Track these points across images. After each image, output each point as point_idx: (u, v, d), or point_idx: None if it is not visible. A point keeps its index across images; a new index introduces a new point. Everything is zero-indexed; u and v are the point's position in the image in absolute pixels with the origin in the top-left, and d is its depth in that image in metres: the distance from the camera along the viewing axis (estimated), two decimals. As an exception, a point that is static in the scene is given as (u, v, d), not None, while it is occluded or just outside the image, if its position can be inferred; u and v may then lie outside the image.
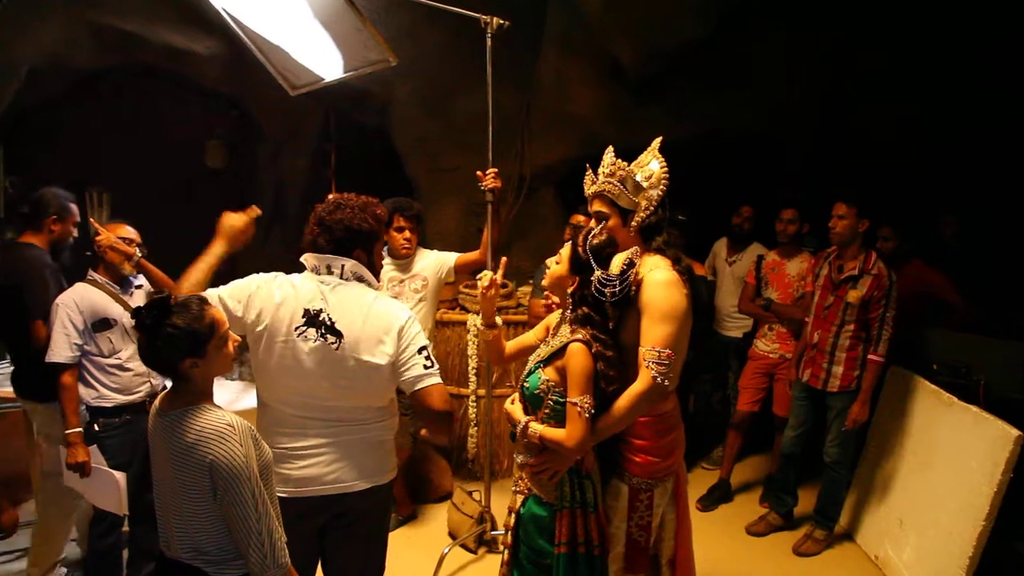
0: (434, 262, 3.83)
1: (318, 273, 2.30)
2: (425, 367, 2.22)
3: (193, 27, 5.42)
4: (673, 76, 4.98)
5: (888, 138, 5.20)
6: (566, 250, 2.37)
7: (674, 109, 5.15)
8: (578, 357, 2.21)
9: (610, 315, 2.31)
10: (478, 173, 3.42)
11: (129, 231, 3.27)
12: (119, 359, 3.19)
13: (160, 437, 1.90)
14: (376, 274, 2.40)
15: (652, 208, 2.39)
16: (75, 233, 3.52)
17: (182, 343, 1.83)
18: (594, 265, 2.25)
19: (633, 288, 2.29)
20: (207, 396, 1.95)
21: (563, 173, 5.68)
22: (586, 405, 2.19)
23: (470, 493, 3.99)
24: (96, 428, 3.16)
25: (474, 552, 3.85)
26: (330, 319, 2.21)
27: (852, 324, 3.69)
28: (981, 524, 3.12)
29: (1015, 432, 3.09)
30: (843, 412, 3.75)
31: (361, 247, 2.32)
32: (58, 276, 3.32)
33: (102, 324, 3.14)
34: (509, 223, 5.38)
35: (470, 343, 4.59)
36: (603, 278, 2.22)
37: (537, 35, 5.26)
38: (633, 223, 2.40)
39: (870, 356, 3.67)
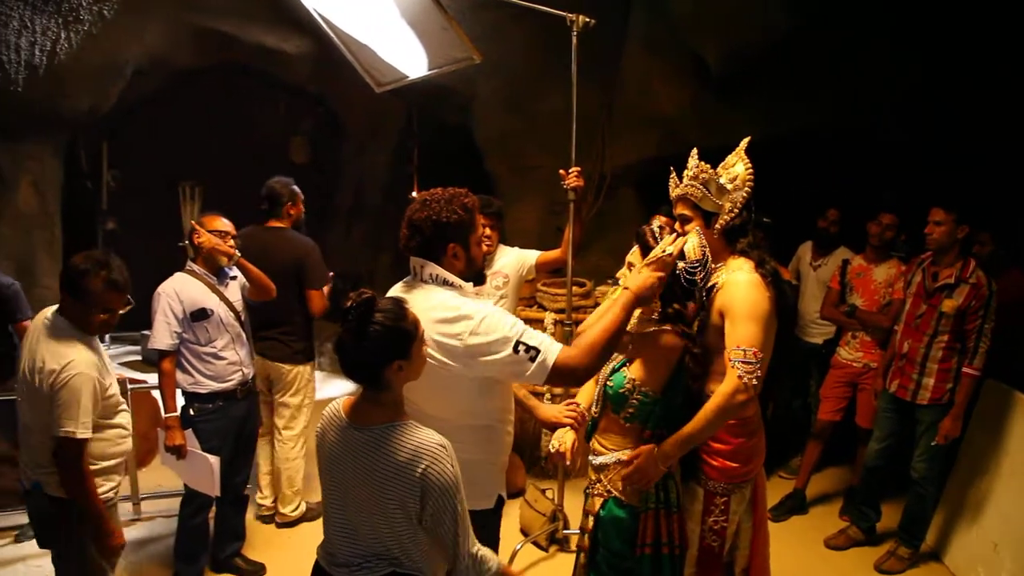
0: (515, 259, 3.86)
1: (416, 275, 2.23)
2: (531, 358, 2.02)
3: (285, 27, 5.62)
4: (757, 75, 4.88)
5: (982, 138, 4.95)
6: (635, 256, 2.38)
7: (758, 109, 5.05)
8: (669, 337, 2.25)
9: (703, 301, 2.32)
10: (561, 172, 3.42)
11: (225, 223, 3.39)
12: (214, 348, 3.32)
13: (357, 451, 1.82)
14: (476, 267, 2.28)
15: (736, 211, 2.37)
16: (303, 211, 4.06)
17: (389, 343, 1.77)
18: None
19: (715, 288, 2.31)
20: (402, 407, 1.89)
21: (643, 173, 5.64)
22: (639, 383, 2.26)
23: (543, 491, 4.00)
24: (191, 412, 3.32)
25: (545, 550, 3.86)
26: None
27: (946, 335, 3.53)
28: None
29: (1125, 454, 2.91)
30: (933, 426, 3.60)
31: (453, 240, 2.18)
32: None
33: (200, 314, 3.27)
34: (589, 222, 5.36)
35: (546, 341, 4.58)
36: (688, 266, 2.23)
37: (619, 33, 5.24)
38: (716, 225, 2.38)
39: (965, 369, 3.50)
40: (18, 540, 3.82)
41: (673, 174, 2.48)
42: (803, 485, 4.44)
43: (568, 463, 2.45)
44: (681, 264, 2.23)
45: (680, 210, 2.45)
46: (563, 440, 2.45)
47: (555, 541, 3.88)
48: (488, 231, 3.77)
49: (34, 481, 2.43)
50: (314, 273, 3.84)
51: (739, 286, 2.29)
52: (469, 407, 2.19)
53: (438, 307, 2.10)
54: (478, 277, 2.29)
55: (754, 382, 2.21)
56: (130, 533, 3.79)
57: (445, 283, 2.18)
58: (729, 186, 2.36)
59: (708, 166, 2.37)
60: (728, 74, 4.89)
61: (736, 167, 2.39)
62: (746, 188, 2.36)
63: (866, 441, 4.04)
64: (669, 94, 5.27)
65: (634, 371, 2.29)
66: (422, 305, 2.09)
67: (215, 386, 3.32)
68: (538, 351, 2.03)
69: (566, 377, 2.09)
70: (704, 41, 4.71)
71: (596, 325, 2.11)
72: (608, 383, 2.37)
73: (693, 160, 2.42)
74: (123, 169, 7.51)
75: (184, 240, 6.94)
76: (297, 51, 5.95)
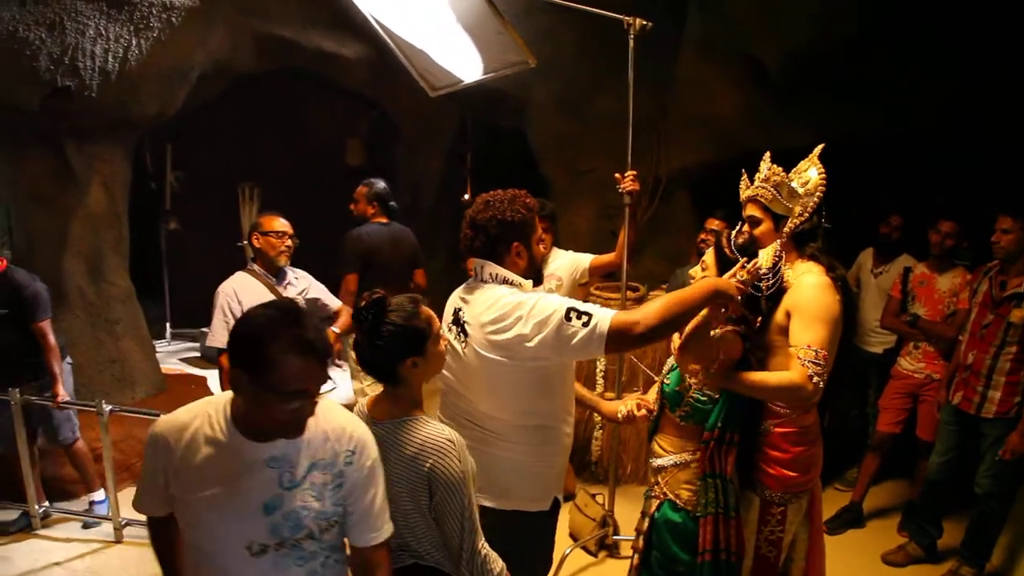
0: (569, 262, 3.86)
1: (476, 276, 2.25)
2: (584, 324, 1.98)
3: (343, 32, 5.73)
4: (816, 78, 4.78)
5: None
6: (710, 256, 2.38)
7: (816, 112, 4.95)
8: (734, 343, 2.23)
9: (763, 310, 2.31)
10: (616, 175, 3.41)
11: (282, 223, 3.46)
12: None
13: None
14: (537, 266, 2.31)
15: (806, 215, 2.37)
16: None
17: (403, 341, 1.82)
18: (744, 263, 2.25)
19: (786, 285, 2.32)
20: (420, 403, 1.94)
21: (698, 177, 5.58)
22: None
23: (593, 496, 3.99)
24: None
25: (595, 555, 3.84)
26: (464, 317, 2.19)
27: (1014, 346, 3.41)
28: None
29: None
30: (999, 440, 3.47)
31: (517, 239, 2.20)
32: None
33: None
34: (643, 226, 5.33)
35: (597, 346, 4.57)
36: (760, 274, 2.23)
37: (675, 35, 5.19)
38: (786, 229, 2.39)
39: None
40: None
41: (744, 176, 2.50)
42: (860, 498, 4.33)
43: (642, 414, 2.45)
44: (750, 266, 2.24)
45: (750, 211, 2.46)
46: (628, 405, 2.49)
47: (605, 547, 3.86)
48: (542, 234, 3.79)
49: None
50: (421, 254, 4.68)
51: (810, 288, 2.29)
52: (526, 406, 2.18)
53: (495, 310, 2.10)
54: (537, 276, 2.31)
55: (821, 384, 2.19)
56: (108, 555, 3.82)
57: (506, 281, 2.19)
58: (800, 190, 2.36)
59: (780, 169, 2.38)
60: (787, 77, 4.81)
61: (809, 172, 2.40)
62: (818, 193, 2.36)
63: (927, 455, 3.92)
64: (725, 97, 5.21)
65: (692, 370, 2.29)
66: (481, 306, 2.14)
67: None
68: (591, 315, 1.99)
69: (625, 339, 1.99)
70: (763, 44, 4.64)
71: (666, 296, 2.06)
72: (665, 381, 2.39)
73: (766, 163, 2.43)
74: (185, 170, 7.74)
75: (243, 240, 7.15)
76: (354, 55, 6.06)
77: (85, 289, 4.90)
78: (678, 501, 2.33)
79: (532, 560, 2.39)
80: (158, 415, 3.76)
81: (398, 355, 1.83)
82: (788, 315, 2.31)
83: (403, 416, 1.87)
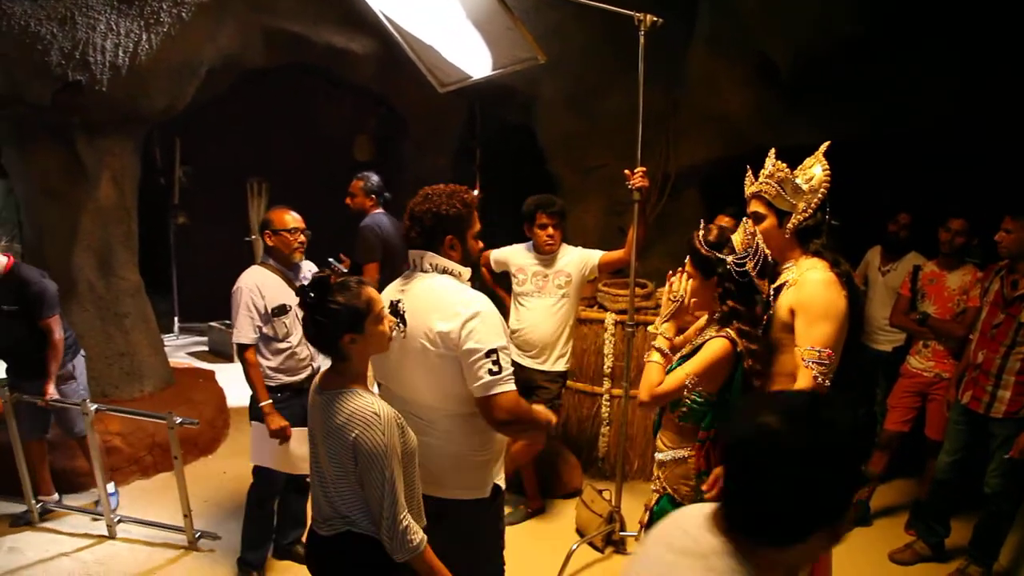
0: (578, 259, 3.86)
1: (413, 267, 2.34)
2: (491, 372, 2.12)
3: (352, 28, 5.73)
4: (825, 77, 4.77)
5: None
6: (687, 265, 2.39)
7: (825, 111, 4.95)
8: (714, 345, 2.26)
9: (758, 300, 2.31)
10: (626, 171, 3.41)
11: (294, 217, 3.44)
12: (289, 343, 3.39)
13: (318, 413, 2.03)
14: (472, 259, 2.38)
15: (810, 211, 2.37)
16: None
17: (342, 318, 1.95)
18: (720, 256, 2.27)
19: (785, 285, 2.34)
20: (362, 378, 2.06)
21: (707, 174, 5.56)
22: (692, 384, 2.25)
23: (600, 492, 3.99)
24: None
25: (601, 551, 3.84)
26: (403, 308, 2.25)
27: (1026, 345, 3.40)
28: None
29: None
30: (1008, 440, 3.46)
31: (451, 232, 2.30)
32: None
33: (280, 310, 3.34)
34: (652, 223, 5.32)
35: (606, 342, 4.58)
36: (736, 260, 2.25)
37: (684, 32, 5.18)
38: (789, 225, 2.39)
39: None
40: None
41: (749, 172, 2.50)
42: (868, 496, 4.32)
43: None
44: (730, 258, 2.26)
45: (754, 207, 2.47)
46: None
47: (611, 543, 3.87)
48: (551, 230, 3.80)
49: None
50: None
51: (814, 284, 2.29)
52: (459, 394, 2.21)
53: (436, 298, 2.22)
54: (473, 270, 2.40)
55: (827, 383, 2.20)
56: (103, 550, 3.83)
57: (444, 271, 2.30)
58: (805, 187, 2.37)
59: (785, 165, 2.39)
60: (797, 75, 4.79)
61: (814, 169, 2.40)
62: (822, 190, 2.36)
63: (935, 454, 3.91)
64: (735, 94, 5.19)
65: (689, 371, 2.30)
66: (420, 295, 2.25)
67: (285, 379, 3.40)
68: (502, 372, 2.14)
69: (496, 412, 2.14)
70: (773, 41, 4.62)
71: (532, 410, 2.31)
72: None
73: (771, 160, 2.44)
74: (194, 165, 7.75)
75: (252, 235, 7.16)
76: (363, 51, 6.05)
77: (95, 283, 4.92)
78: (676, 496, 2.37)
79: (481, 547, 2.45)
80: (145, 415, 3.84)
81: (337, 331, 1.95)
82: (792, 312, 2.32)
83: (342, 388, 1.99)
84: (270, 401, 3.28)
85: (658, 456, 2.45)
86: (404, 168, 7.81)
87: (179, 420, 3.63)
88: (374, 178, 4.61)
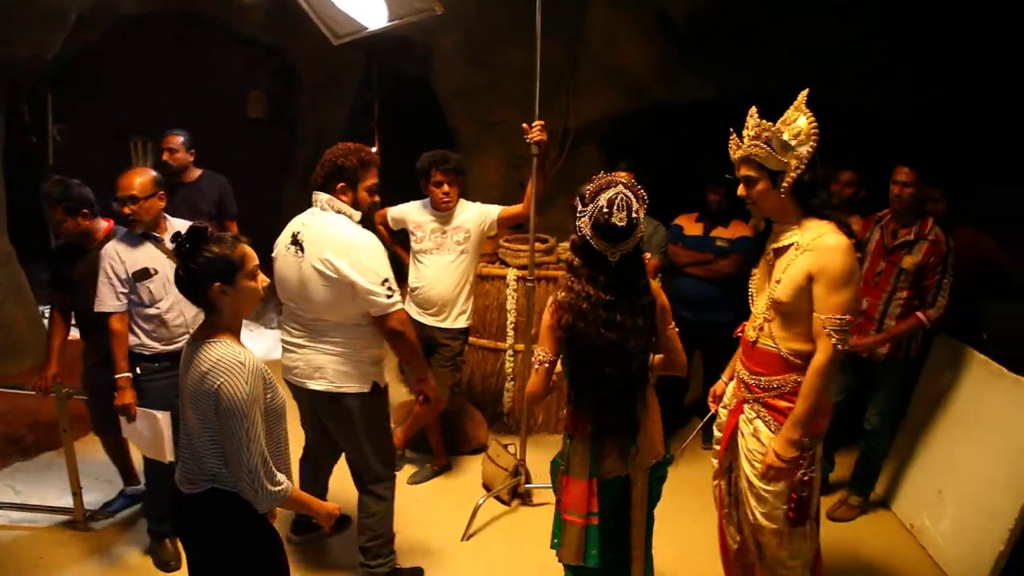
0: (477, 214, 3.81)
1: (316, 204, 2.83)
2: (387, 296, 2.69)
3: (236, -28, 5.40)
4: (722, 32, 4.83)
5: (931, 95, 4.96)
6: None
7: (723, 65, 5.01)
8: (545, 313, 2.34)
9: (600, 253, 2.23)
10: (524, 125, 3.37)
11: (125, 185, 3.14)
12: (158, 308, 3.19)
13: (186, 366, 2.04)
14: (362, 208, 2.86)
15: (803, 167, 2.28)
16: None
17: (213, 268, 1.96)
18: (579, 204, 2.26)
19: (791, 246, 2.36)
20: (234, 331, 2.08)
21: (608, 128, 5.59)
22: (542, 356, 2.35)
23: (505, 446, 4.02)
24: (138, 372, 3.19)
25: (508, 504, 3.90)
26: (302, 238, 2.75)
27: (905, 291, 3.57)
28: (1026, 497, 3.06)
29: (1067, 405, 3.00)
30: (889, 382, 3.68)
31: (343, 181, 2.80)
32: None
33: (142, 274, 3.14)
34: (552, 178, 5.32)
35: (509, 297, 4.58)
36: (579, 212, 2.24)
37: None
38: (784, 184, 2.31)
39: (918, 313, 3.53)
40: None
41: (733, 135, 2.40)
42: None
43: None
44: (578, 210, 2.25)
45: (744, 171, 2.38)
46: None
47: (517, 495, 3.92)
48: (447, 187, 3.73)
49: None
50: None
51: (834, 251, 2.25)
52: (346, 311, 2.77)
53: (330, 233, 2.72)
54: (364, 219, 2.88)
55: (844, 348, 2.25)
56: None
57: (339, 212, 2.80)
58: (793, 142, 2.27)
59: (769, 123, 2.29)
60: (694, 30, 4.83)
61: (798, 121, 2.29)
62: (811, 142, 2.26)
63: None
64: (634, 50, 5.21)
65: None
66: (317, 229, 2.75)
67: (160, 347, 3.21)
68: (394, 293, 2.72)
69: (389, 324, 2.75)
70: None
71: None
72: None
73: (753, 119, 2.34)
74: (70, 123, 7.23)
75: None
76: (250, -1, 5.74)
77: (-43, 251, 4.54)
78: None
79: (368, 432, 2.94)
80: (26, 390, 3.55)
81: (207, 279, 1.96)
82: (810, 278, 2.28)
83: (210, 339, 2.00)
84: (127, 375, 3.13)
85: None
86: (300, 124, 7.53)
87: (67, 391, 3.42)
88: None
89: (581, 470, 2.39)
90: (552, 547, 2.51)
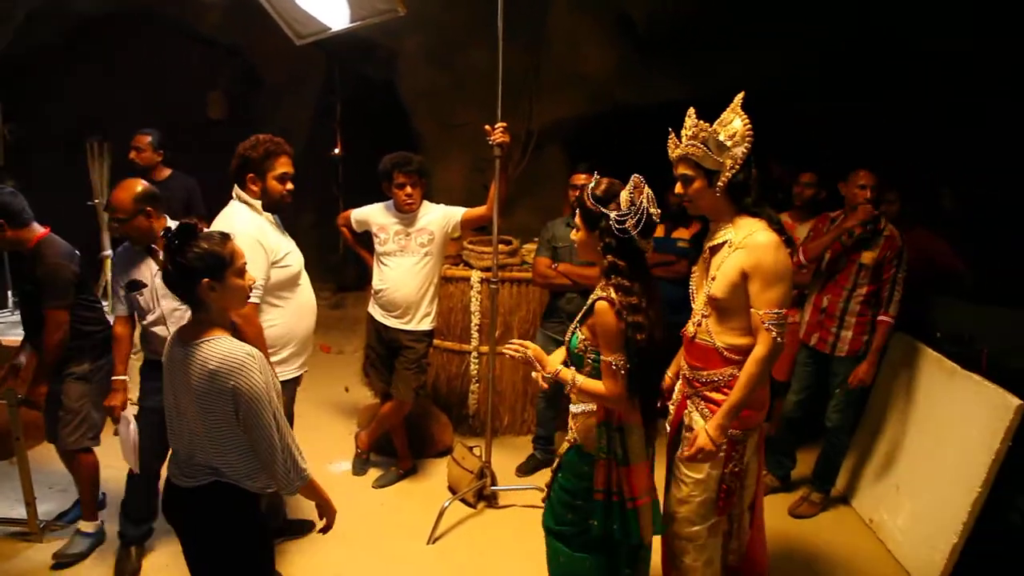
0: (440, 216, 3.80)
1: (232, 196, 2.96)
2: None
3: (195, -30, 5.32)
4: (683, 35, 4.88)
5: (884, 99, 5.08)
6: (578, 217, 2.42)
7: (683, 68, 5.07)
8: (604, 316, 2.29)
9: (641, 251, 2.34)
10: (486, 127, 3.38)
11: (113, 201, 3.05)
12: (147, 321, 3.13)
13: (179, 366, 2.02)
14: (273, 196, 2.94)
15: (737, 167, 2.36)
16: None
17: (202, 264, 1.97)
18: (604, 210, 2.29)
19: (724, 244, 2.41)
20: (223, 328, 2.07)
21: (570, 131, 5.61)
22: (620, 363, 2.29)
23: (470, 448, 4.01)
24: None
25: (473, 507, 3.88)
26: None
27: (864, 287, 3.67)
28: (976, 491, 3.12)
29: (1016, 401, 3.07)
30: (848, 378, 3.75)
31: (252, 172, 2.90)
32: None
33: (132, 285, 3.12)
34: (516, 180, 5.33)
35: (473, 299, 4.57)
36: (618, 216, 2.27)
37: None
38: (719, 183, 2.38)
39: (880, 317, 3.65)
40: None
41: (672, 134, 2.46)
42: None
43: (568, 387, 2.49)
44: (613, 215, 2.27)
45: (681, 170, 2.45)
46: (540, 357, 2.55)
47: (483, 498, 3.91)
48: (409, 188, 3.71)
49: None
50: None
51: (765, 248, 2.33)
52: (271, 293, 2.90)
53: (221, 220, 2.85)
54: (273, 208, 2.98)
55: (782, 340, 2.32)
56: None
57: (246, 203, 2.91)
58: (728, 143, 2.34)
59: (707, 124, 2.35)
60: (655, 33, 4.88)
61: (734, 123, 2.36)
62: (745, 143, 2.34)
63: (783, 394, 4.17)
64: (596, 53, 5.25)
65: (584, 331, 2.40)
66: (217, 221, 2.85)
67: (149, 356, 3.20)
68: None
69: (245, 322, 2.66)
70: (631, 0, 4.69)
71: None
72: (568, 342, 2.50)
73: (691, 120, 2.39)
74: (22, 124, 7.03)
75: (95, 199, 6.62)
76: (209, -2, 5.66)
77: (-96, 255, 4.39)
78: (584, 446, 2.47)
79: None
80: None
81: (196, 274, 1.97)
82: (744, 275, 2.35)
83: (206, 337, 2.01)
84: (124, 378, 3.19)
85: (572, 408, 2.54)
86: (261, 125, 7.42)
87: (21, 397, 3.32)
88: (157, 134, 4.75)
89: (640, 454, 2.45)
90: (656, 534, 2.58)
